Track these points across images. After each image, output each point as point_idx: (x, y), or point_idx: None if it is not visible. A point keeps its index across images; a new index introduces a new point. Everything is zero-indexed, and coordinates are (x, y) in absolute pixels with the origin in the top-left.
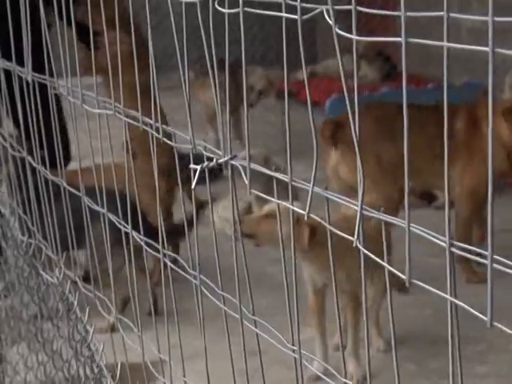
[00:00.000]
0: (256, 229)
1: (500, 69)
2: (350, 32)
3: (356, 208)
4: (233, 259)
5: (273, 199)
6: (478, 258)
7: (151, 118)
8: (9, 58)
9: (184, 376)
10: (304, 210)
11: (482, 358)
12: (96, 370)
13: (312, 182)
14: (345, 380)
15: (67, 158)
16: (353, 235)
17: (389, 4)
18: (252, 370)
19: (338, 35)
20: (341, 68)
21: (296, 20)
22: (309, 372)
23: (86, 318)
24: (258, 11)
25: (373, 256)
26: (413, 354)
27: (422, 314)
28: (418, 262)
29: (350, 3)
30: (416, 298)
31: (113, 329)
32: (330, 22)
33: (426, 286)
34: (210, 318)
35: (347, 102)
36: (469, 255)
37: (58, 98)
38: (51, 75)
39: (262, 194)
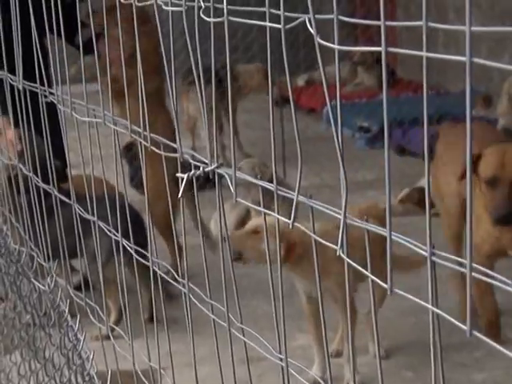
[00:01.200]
0: (242, 246)
1: (497, 76)
2: (349, 39)
3: (339, 217)
4: (221, 266)
5: (259, 208)
6: (457, 267)
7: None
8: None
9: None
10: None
11: (479, 365)
12: (87, 378)
13: (297, 191)
14: None
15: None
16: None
17: (389, 9)
18: (246, 378)
19: (320, 45)
20: (323, 77)
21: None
22: (308, 377)
23: (77, 325)
24: (242, 20)
25: (356, 265)
26: (410, 360)
27: (420, 321)
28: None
29: (354, 8)
30: (413, 304)
31: (108, 336)
32: (312, 32)
33: (407, 295)
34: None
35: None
36: (449, 264)
37: (54, 105)
38: (49, 83)
39: (249, 204)
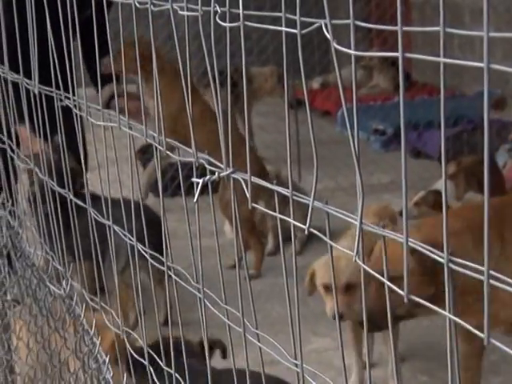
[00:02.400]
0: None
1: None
2: (362, 42)
3: (355, 222)
4: (236, 270)
5: (274, 213)
6: (475, 274)
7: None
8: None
9: None
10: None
11: (495, 369)
12: (103, 383)
13: (312, 196)
14: None
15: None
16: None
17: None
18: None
19: (336, 50)
20: (339, 82)
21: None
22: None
23: (93, 330)
24: (257, 25)
25: (373, 272)
26: (425, 364)
27: (434, 325)
28: None
29: (369, 11)
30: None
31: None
32: (329, 37)
33: (424, 302)
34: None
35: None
36: (467, 271)
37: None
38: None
39: (263, 209)
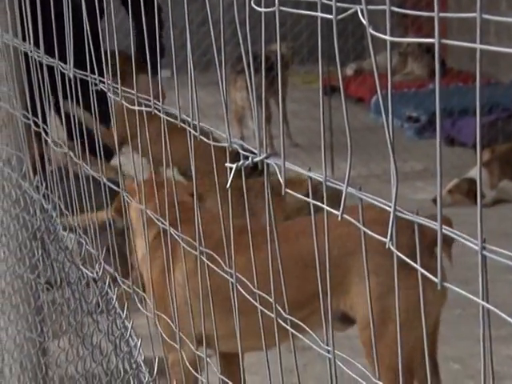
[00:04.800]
0: None
1: None
2: (397, 29)
3: (389, 209)
4: (269, 256)
5: (309, 200)
6: (510, 262)
7: None
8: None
9: (219, 372)
10: None
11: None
12: (134, 366)
13: (346, 182)
14: None
15: (110, 155)
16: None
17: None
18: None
19: (372, 36)
20: (375, 69)
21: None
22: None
23: (125, 313)
24: (293, 10)
25: (406, 259)
26: (457, 353)
27: (466, 313)
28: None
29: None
30: (459, 297)
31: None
32: (364, 23)
33: (457, 289)
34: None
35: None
36: (500, 258)
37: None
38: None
39: (297, 195)
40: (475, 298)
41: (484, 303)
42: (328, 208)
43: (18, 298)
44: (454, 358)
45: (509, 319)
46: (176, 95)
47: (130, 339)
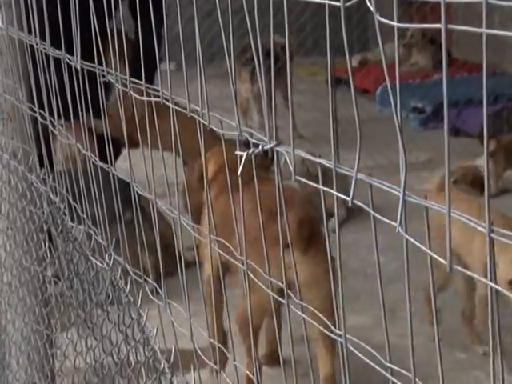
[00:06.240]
0: None
1: None
2: (402, 18)
3: (398, 194)
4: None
5: (317, 185)
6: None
7: None
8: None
9: (234, 360)
10: None
11: None
12: (149, 354)
13: (356, 168)
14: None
15: (118, 150)
16: None
17: None
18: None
19: (380, 23)
20: (382, 56)
21: (338, 8)
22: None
23: (139, 301)
24: None
25: (416, 242)
26: (463, 342)
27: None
28: None
29: None
30: None
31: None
32: (372, 9)
33: (467, 272)
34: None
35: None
36: (508, 241)
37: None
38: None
39: (305, 180)
40: (483, 279)
41: (492, 284)
42: (338, 194)
43: (25, 291)
44: (460, 347)
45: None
46: (185, 85)
47: (145, 328)
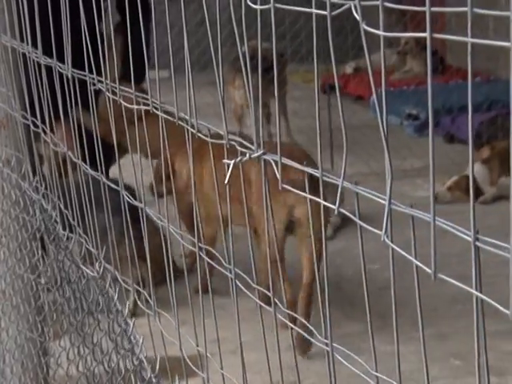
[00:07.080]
0: None
1: None
2: (398, 26)
3: (384, 202)
4: (267, 251)
5: (305, 194)
6: (502, 252)
7: None
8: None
9: (221, 369)
10: None
11: None
12: (136, 363)
13: (342, 177)
14: None
15: (110, 156)
16: None
17: None
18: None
19: (367, 32)
20: (369, 65)
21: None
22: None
23: (127, 310)
24: (287, 7)
25: (401, 251)
26: (457, 349)
27: (467, 309)
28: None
29: None
30: (459, 292)
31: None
32: (358, 18)
33: (452, 281)
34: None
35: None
36: (493, 249)
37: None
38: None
39: (294, 189)
40: (468, 288)
41: (478, 293)
42: (325, 203)
43: (18, 299)
44: (455, 354)
45: (506, 311)
46: (174, 93)
47: (132, 337)
